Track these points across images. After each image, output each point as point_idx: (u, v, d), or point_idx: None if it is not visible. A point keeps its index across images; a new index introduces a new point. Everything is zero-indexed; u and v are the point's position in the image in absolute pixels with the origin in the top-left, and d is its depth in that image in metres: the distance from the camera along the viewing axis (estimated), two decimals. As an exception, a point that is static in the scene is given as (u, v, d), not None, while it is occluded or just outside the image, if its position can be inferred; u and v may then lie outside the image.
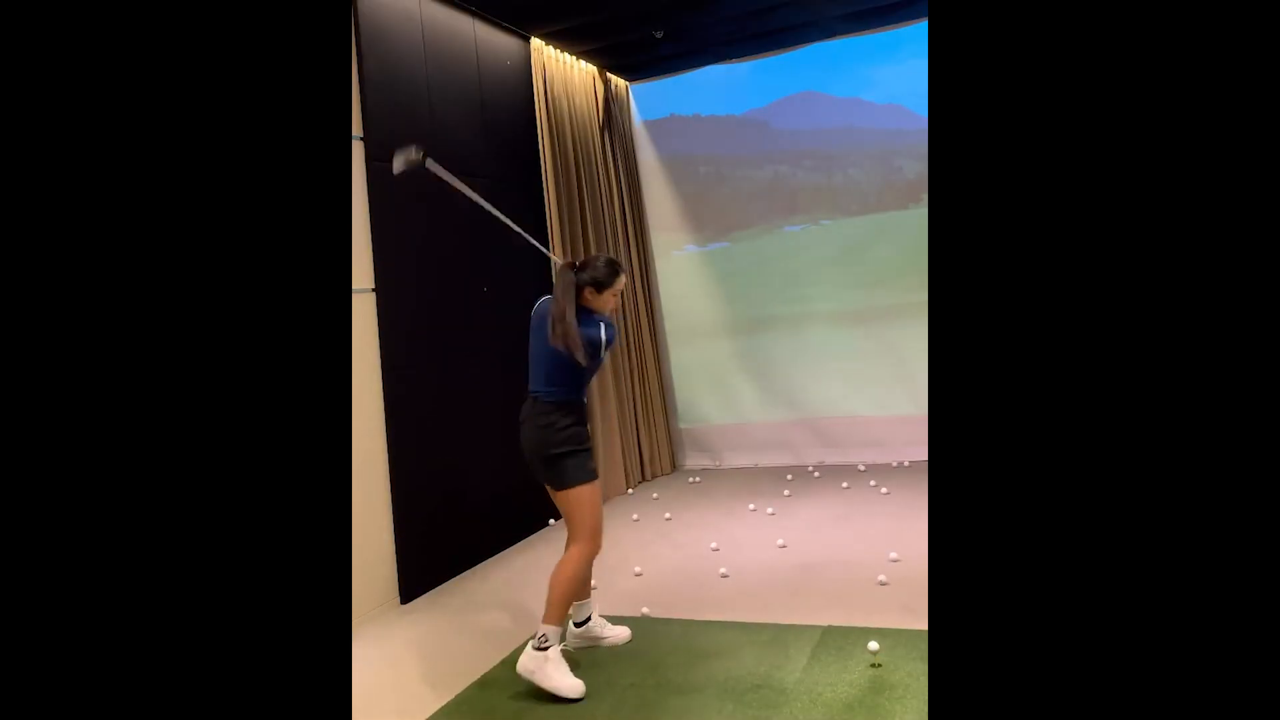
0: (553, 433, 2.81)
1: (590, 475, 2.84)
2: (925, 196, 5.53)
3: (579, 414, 2.88)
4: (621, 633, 3.13)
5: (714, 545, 4.20)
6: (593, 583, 3.21)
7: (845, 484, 5.17)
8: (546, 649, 2.70)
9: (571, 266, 2.87)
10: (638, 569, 3.94)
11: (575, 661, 2.87)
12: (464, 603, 3.82)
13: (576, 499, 2.82)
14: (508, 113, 5.00)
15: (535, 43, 5.24)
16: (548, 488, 2.94)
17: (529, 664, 2.71)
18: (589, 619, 3.10)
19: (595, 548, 2.86)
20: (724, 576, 3.77)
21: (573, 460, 2.82)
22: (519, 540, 4.64)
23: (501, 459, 4.42)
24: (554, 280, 2.95)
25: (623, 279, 2.90)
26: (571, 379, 2.84)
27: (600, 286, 2.85)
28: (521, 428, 2.92)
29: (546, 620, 2.73)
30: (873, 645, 2.76)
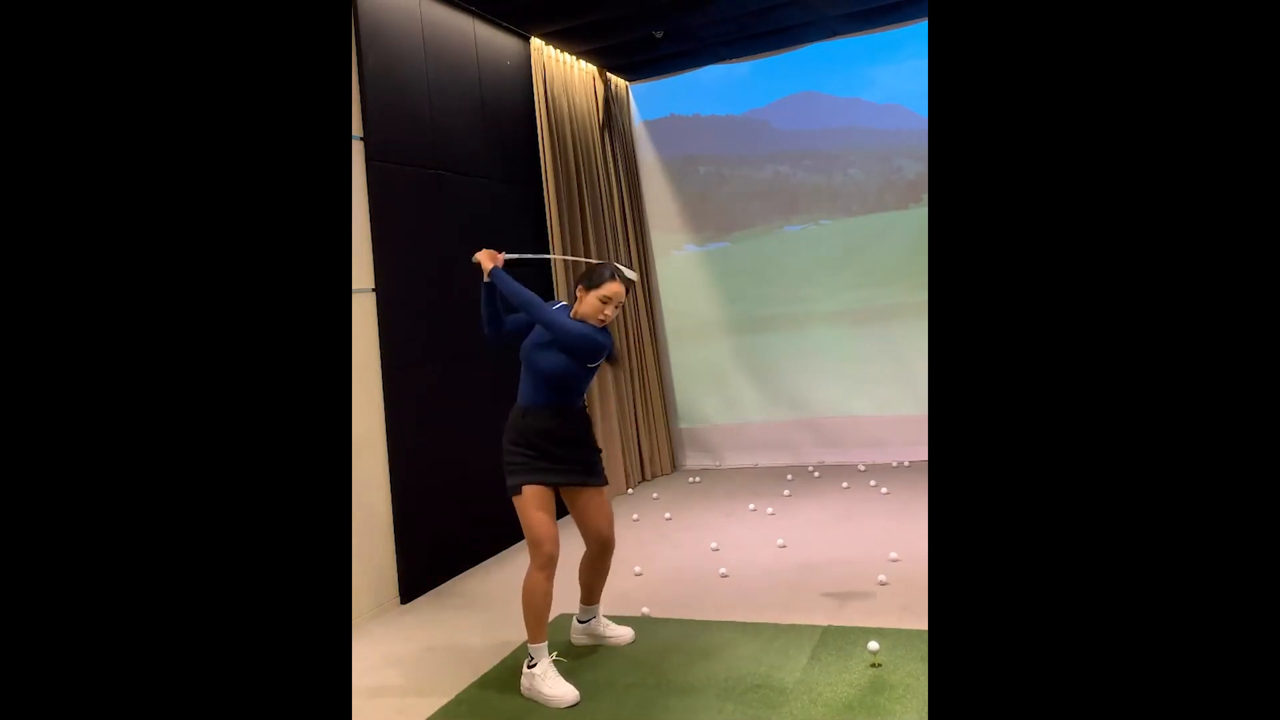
0: (503, 434, 2.86)
1: (511, 488, 2.78)
2: (925, 196, 5.53)
3: (515, 421, 2.85)
4: (625, 633, 3.12)
5: (714, 545, 4.20)
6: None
7: (845, 484, 5.18)
8: (534, 667, 2.75)
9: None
10: (638, 569, 3.94)
11: (570, 667, 2.88)
12: (464, 603, 3.82)
13: (516, 509, 2.81)
14: (508, 113, 5.00)
15: (535, 43, 5.24)
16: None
17: (525, 684, 2.77)
18: (593, 618, 3.12)
19: (541, 559, 2.73)
20: (724, 576, 3.77)
21: (505, 469, 2.83)
22: (519, 540, 4.63)
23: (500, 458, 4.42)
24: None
25: (612, 286, 2.78)
26: (521, 381, 2.88)
27: (591, 286, 2.80)
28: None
29: (528, 639, 2.78)
30: (873, 645, 2.76)
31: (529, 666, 2.76)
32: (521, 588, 2.76)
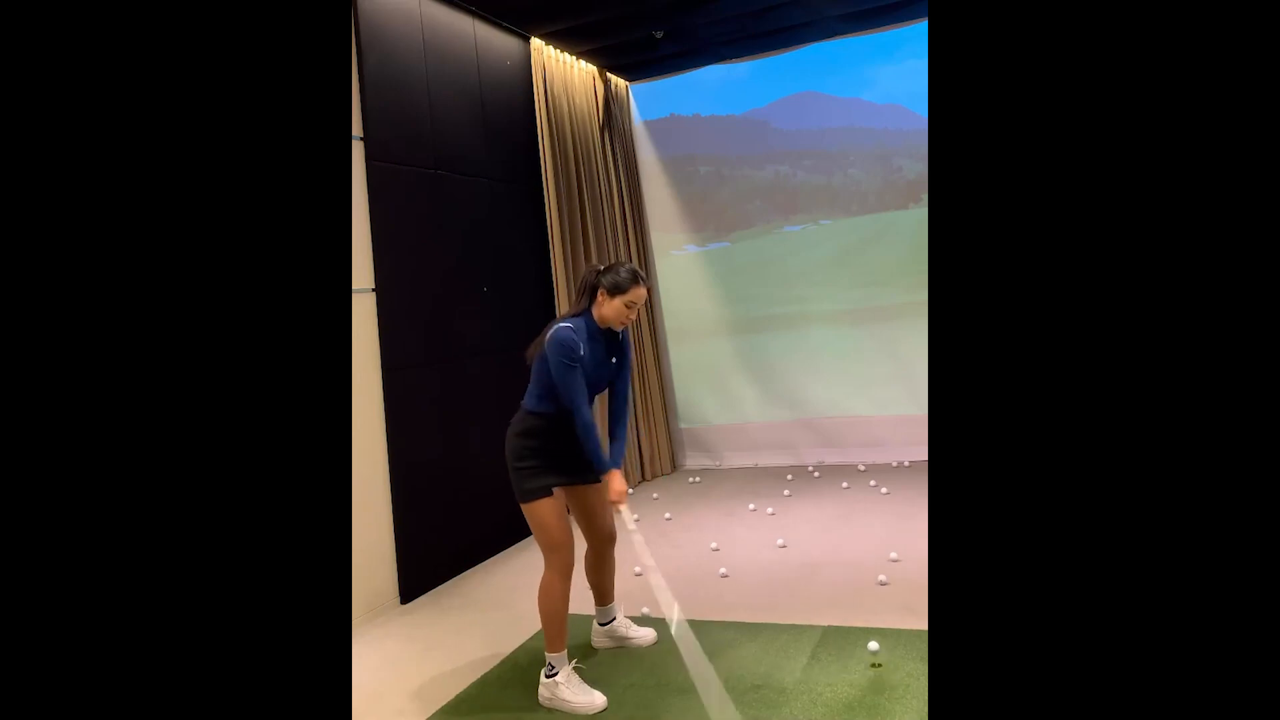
0: (508, 439, 2.79)
1: (527, 494, 2.71)
2: (925, 196, 5.53)
3: (530, 426, 2.77)
4: (647, 634, 3.09)
5: (714, 545, 4.20)
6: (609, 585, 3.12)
7: (845, 484, 5.18)
8: (554, 676, 2.70)
9: (597, 270, 2.80)
10: (638, 569, 3.94)
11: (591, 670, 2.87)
12: (464, 603, 3.82)
13: (526, 516, 2.74)
14: (508, 113, 5.00)
15: (535, 43, 5.24)
16: None
17: (544, 693, 2.71)
18: (613, 620, 3.09)
19: (560, 564, 2.71)
20: (724, 576, 3.77)
21: (513, 476, 2.76)
22: (519, 540, 4.64)
23: (501, 459, 4.42)
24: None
25: (638, 291, 2.74)
26: (534, 386, 2.79)
27: (615, 291, 2.73)
28: None
29: (547, 648, 2.72)
30: (873, 645, 2.76)
31: (548, 676, 2.70)
32: (538, 596, 2.72)
